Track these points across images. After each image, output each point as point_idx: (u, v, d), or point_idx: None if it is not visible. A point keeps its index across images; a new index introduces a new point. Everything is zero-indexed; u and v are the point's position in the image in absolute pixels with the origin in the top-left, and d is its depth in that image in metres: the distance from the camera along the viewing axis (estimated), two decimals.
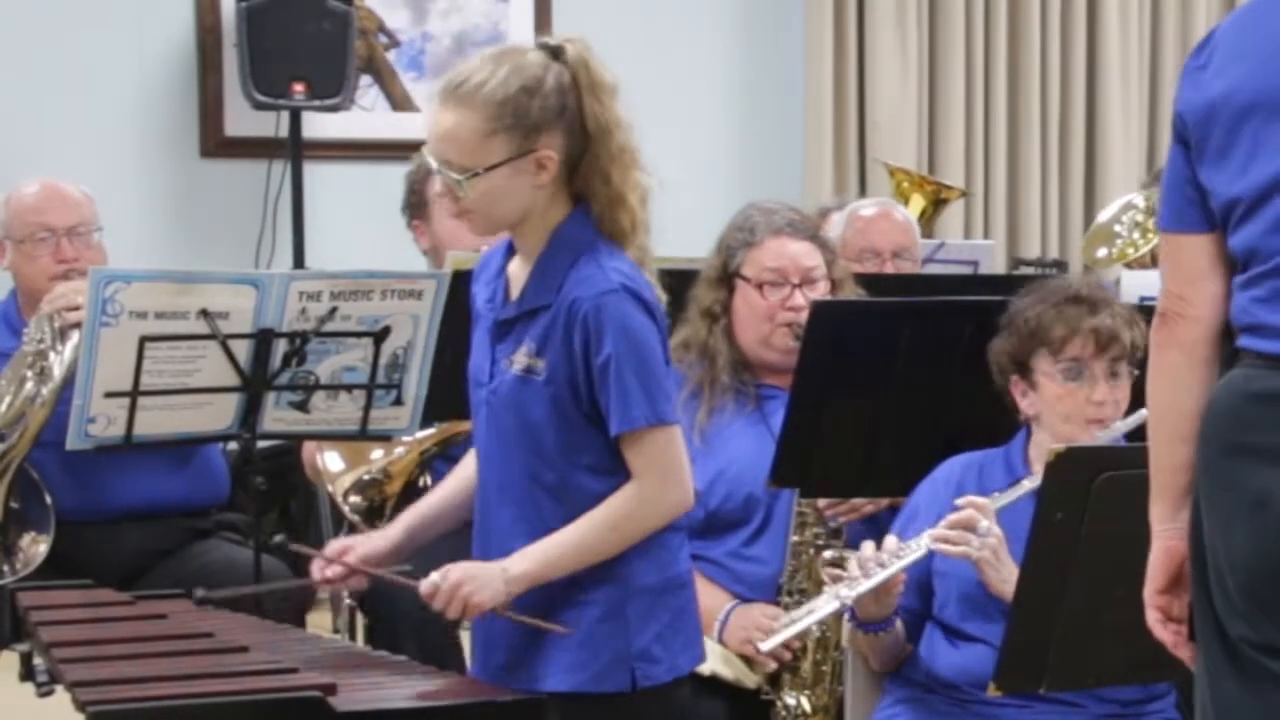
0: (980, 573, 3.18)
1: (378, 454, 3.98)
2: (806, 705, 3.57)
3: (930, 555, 3.32)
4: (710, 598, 3.58)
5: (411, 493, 3.86)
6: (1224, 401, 2.35)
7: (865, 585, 3.17)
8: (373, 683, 2.73)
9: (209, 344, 3.54)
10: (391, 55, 6.76)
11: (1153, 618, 2.51)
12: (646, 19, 6.88)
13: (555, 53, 2.78)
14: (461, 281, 3.29)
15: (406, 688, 2.74)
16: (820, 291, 3.68)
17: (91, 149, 6.25)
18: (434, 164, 2.80)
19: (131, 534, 4.13)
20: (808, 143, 7.03)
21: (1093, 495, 2.91)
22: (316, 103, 6.22)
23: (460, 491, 3.05)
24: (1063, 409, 3.29)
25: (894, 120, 7.04)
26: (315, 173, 6.47)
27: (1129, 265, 5.53)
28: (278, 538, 2.99)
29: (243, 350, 3.58)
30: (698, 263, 3.78)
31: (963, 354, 3.48)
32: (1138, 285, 4.07)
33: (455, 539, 3.16)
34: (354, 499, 3.93)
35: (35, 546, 3.96)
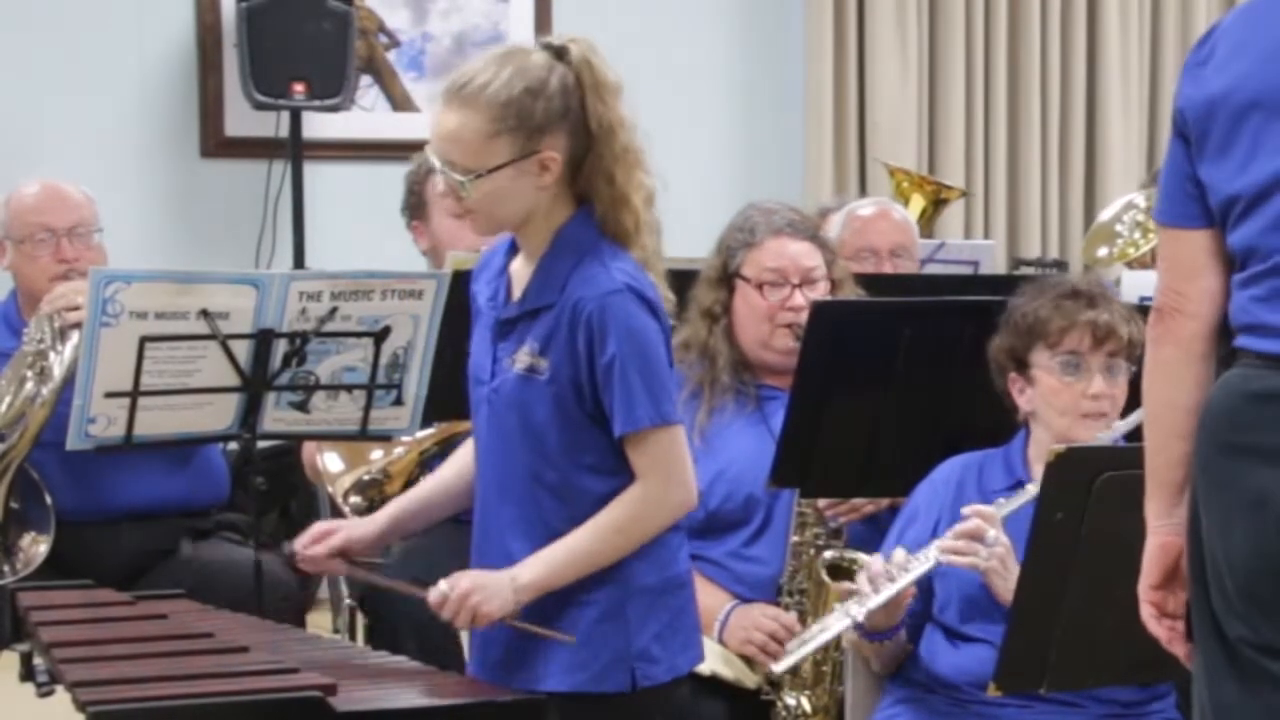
0: (988, 581, 3.18)
1: (377, 454, 3.98)
2: (807, 705, 3.57)
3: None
4: (710, 598, 3.58)
5: None
6: (1222, 402, 2.35)
7: (875, 601, 3.17)
8: (373, 683, 2.73)
9: (209, 344, 3.54)
10: (392, 55, 6.76)
11: (1147, 613, 2.51)
12: (646, 19, 6.88)
13: (559, 53, 2.77)
14: (461, 281, 3.29)
15: (406, 688, 2.74)
16: (820, 292, 3.68)
17: (91, 149, 6.25)
18: (437, 164, 2.80)
19: (131, 534, 4.13)
20: (808, 143, 7.03)
21: (1093, 495, 2.91)
22: (317, 103, 6.22)
23: (449, 484, 3.05)
24: (1059, 403, 3.29)
25: (894, 120, 7.03)
26: (315, 173, 6.46)
27: (1130, 265, 5.53)
28: (287, 548, 2.98)
29: (243, 350, 3.57)
30: (698, 263, 3.78)
31: (963, 354, 3.48)
32: (1138, 285, 4.07)
33: (454, 536, 3.16)
34: (354, 499, 3.93)
35: (35, 546, 3.96)
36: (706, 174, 6.67)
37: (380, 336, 3.63)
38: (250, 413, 3.64)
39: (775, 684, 3.58)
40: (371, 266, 3.70)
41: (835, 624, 3.22)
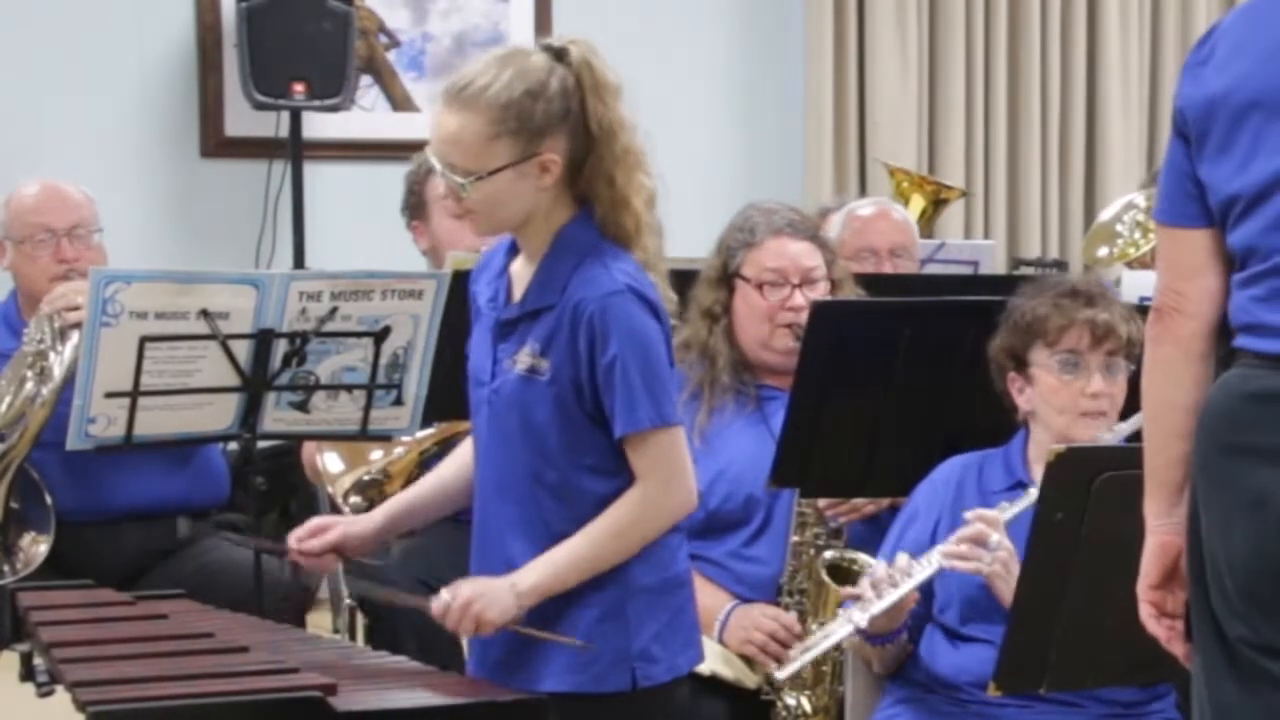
0: (991, 586, 3.18)
1: (377, 454, 3.98)
2: (807, 705, 3.57)
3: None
4: (710, 598, 3.58)
5: None
6: (1221, 402, 2.35)
7: (878, 606, 3.17)
8: (373, 683, 2.72)
9: (209, 344, 3.54)
10: (392, 55, 6.76)
11: (1145, 613, 2.51)
12: (646, 19, 6.88)
13: (559, 54, 2.77)
14: (461, 281, 3.29)
15: (407, 688, 2.73)
16: (820, 292, 3.68)
17: (91, 149, 6.25)
18: (437, 166, 2.80)
19: (131, 534, 4.13)
20: (808, 143, 7.03)
21: (1093, 495, 2.91)
22: (317, 103, 6.21)
23: (447, 483, 3.05)
24: (1058, 401, 3.29)
25: (894, 120, 7.03)
26: (315, 173, 6.46)
27: (1130, 265, 5.53)
28: (255, 544, 2.97)
29: (243, 350, 3.58)
30: (698, 263, 3.78)
31: (963, 354, 3.48)
32: (1138, 285, 4.07)
33: (454, 536, 3.15)
34: (354, 499, 3.93)
35: (35, 546, 3.97)
36: (707, 174, 6.67)
37: (380, 336, 3.63)
38: (250, 413, 3.64)
39: (775, 684, 3.58)
40: (371, 266, 3.70)
41: (838, 630, 3.22)
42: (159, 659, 2.65)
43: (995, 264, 6.14)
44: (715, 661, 3.53)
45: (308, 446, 4.06)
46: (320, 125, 6.44)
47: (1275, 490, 2.28)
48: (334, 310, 3.59)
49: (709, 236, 3.82)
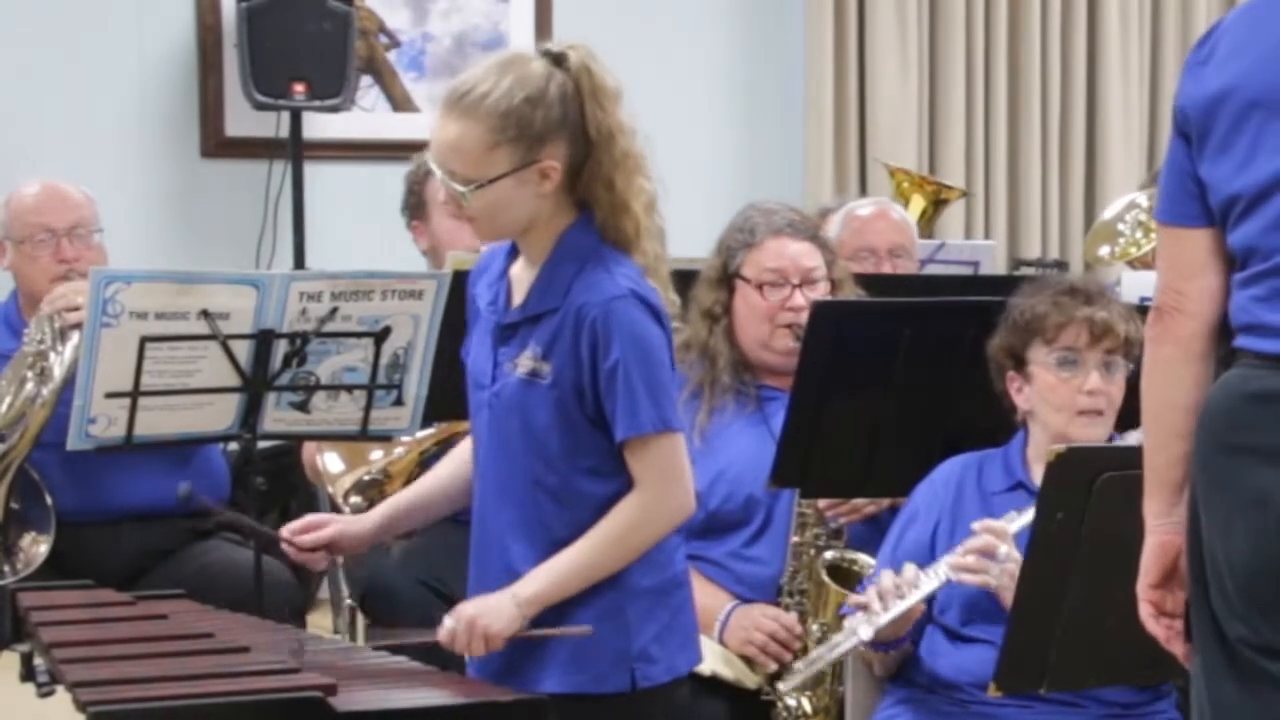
0: (1000, 597, 3.16)
1: (377, 454, 3.98)
2: (807, 706, 3.57)
3: (931, 556, 3.32)
4: (711, 598, 3.58)
5: None
6: (1221, 403, 2.35)
7: (884, 619, 3.17)
8: (373, 683, 2.73)
9: (209, 344, 3.54)
10: (392, 55, 6.75)
11: (1145, 612, 2.51)
12: (646, 19, 6.88)
13: (558, 60, 2.77)
14: (461, 281, 3.29)
15: (406, 688, 2.73)
16: (820, 292, 3.68)
17: (91, 149, 6.25)
18: (438, 173, 2.80)
19: (132, 534, 4.13)
20: (808, 143, 7.02)
21: (1093, 495, 2.91)
22: (317, 103, 6.21)
23: (444, 484, 3.06)
24: (1055, 399, 3.28)
25: (894, 120, 7.03)
26: (315, 173, 6.46)
27: (1131, 264, 5.53)
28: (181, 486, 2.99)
29: (243, 351, 3.58)
30: (698, 263, 3.78)
31: (963, 354, 3.48)
32: (1139, 285, 4.07)
33: (454, 536, 3.15)
34: (354, 499, 3.93)
35: (36, 547, 3.97)
36: (707, 174, 6.67)
37: (380, 337, 3.63)
38: (250, 413, 3.64)
39: (775, 684, 3.58)
40: (371, 266, 3.70)
41: (844, 642, 3.22)
42: (159, 659, 2.65)
43: (995, 264, 6.14)
44: (715, 662, 3.53)
45: (308, 447, 4.06)
46: (320, 125, 6.44)
47: (1275, 490, 2.28)
48: (334, 310, 3.59)
49: (709, 237, 3.82)
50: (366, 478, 3.97)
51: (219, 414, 3.64)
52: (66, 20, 6.35)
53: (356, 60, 6.38)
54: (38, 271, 4.11)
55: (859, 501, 3.63)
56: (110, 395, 3.50)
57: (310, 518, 3.03)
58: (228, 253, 6.41)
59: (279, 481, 4.57)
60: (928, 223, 6.20)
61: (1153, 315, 2.46)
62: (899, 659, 3.38)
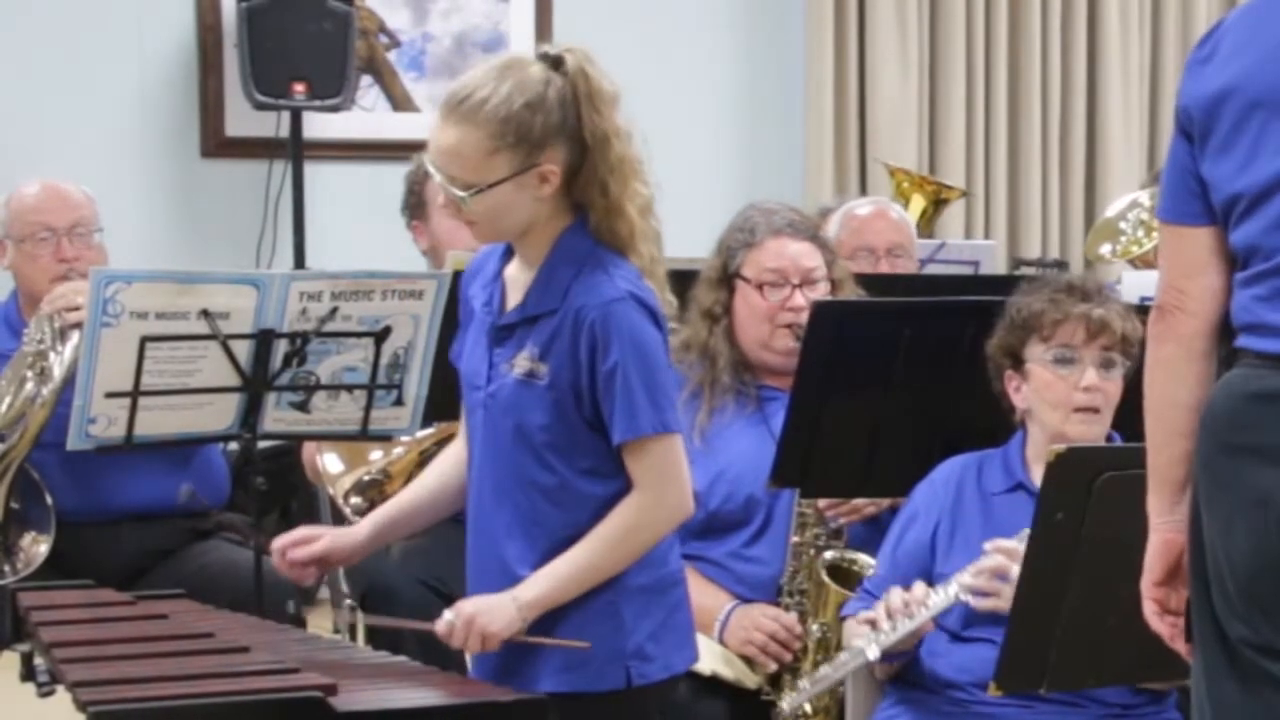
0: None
1: (377, 454, 3.98)
2: (807, 705, 3.57)
3: (931, 556, 3.32)
4: (710, 598, 3.58)
5: None
6: (1223, 402, 2.35)
7: (893, 638, 3.17)
8: (373, 683, 2.73)
9: (209, 344, 3.54)
10: (392, 55, 6.76)
11: (1149, 610, 2.51)
12: (646, 19, 6.88)
13: (555, 63, 2.77)
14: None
15: (407, 688, 2.73)
16: (820, 292, 3.68)
17: (91, 149, 6.25)
18: (437, 177, 2.80)
19: (132, 534, 4.13)
20: (808, 143, 7.03)
21: (1093, 495, 2.91)
22: (317, 103, 6.22)
23: (432, 491, 3.05)
24: (1052, 396, 3.28)
25: (894, 120, 7.03)
26: (315, 173, 6.46)
27: (1133, 263, 5.53)
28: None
29: (243, 350, 3.57)
30: (698, 263, 3.78)
31: (963, 354, 3.48)
32: (1139, 285, 4.06)
33: (454, 536, 3.15)
34: (355, 500, 3.93)
35: (36, 547, 3.97)
36: (707, 174, 6.67)
37: (381, 336, 3.63)
38: (251, 413, 3.64)
39: (776, 684, 3.58)
40: (371, 266, 3.70)
41: (851, 662, 3.22)
42: (159, 659, 2.65)
43: (996, 264, 6.14)
44: (715, 662, 3.53)
45: (308, 447, 4.06)
46: (320, 125, 6.45)
47: (1276, 490, 2.28)
48: (334, 310, 3.59)
49: (709, 237, 3.82)
50: (366, 478, 3.97)
51: (219, 414, 3.64)
52: (66, 20, 6.35)
53: (356, 60, 6.39)
54: (38, 271, 4.11)
55: (859, 502, 3.63)
56: (110, 395, 3.50)
57: (302, 531, 3.02)
58: (228, 253, 6.42)
59: (279, 481, 4.56)
60: (928, 223, 6.21)
61: (1155, 313, 2.46)
62: (901, 665, 3.38)
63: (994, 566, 3.13)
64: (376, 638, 3.92)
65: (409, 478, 3.90)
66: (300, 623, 3.55)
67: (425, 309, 3.64)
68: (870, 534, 3.61)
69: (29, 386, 3.93)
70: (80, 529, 4.03)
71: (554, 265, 2.81)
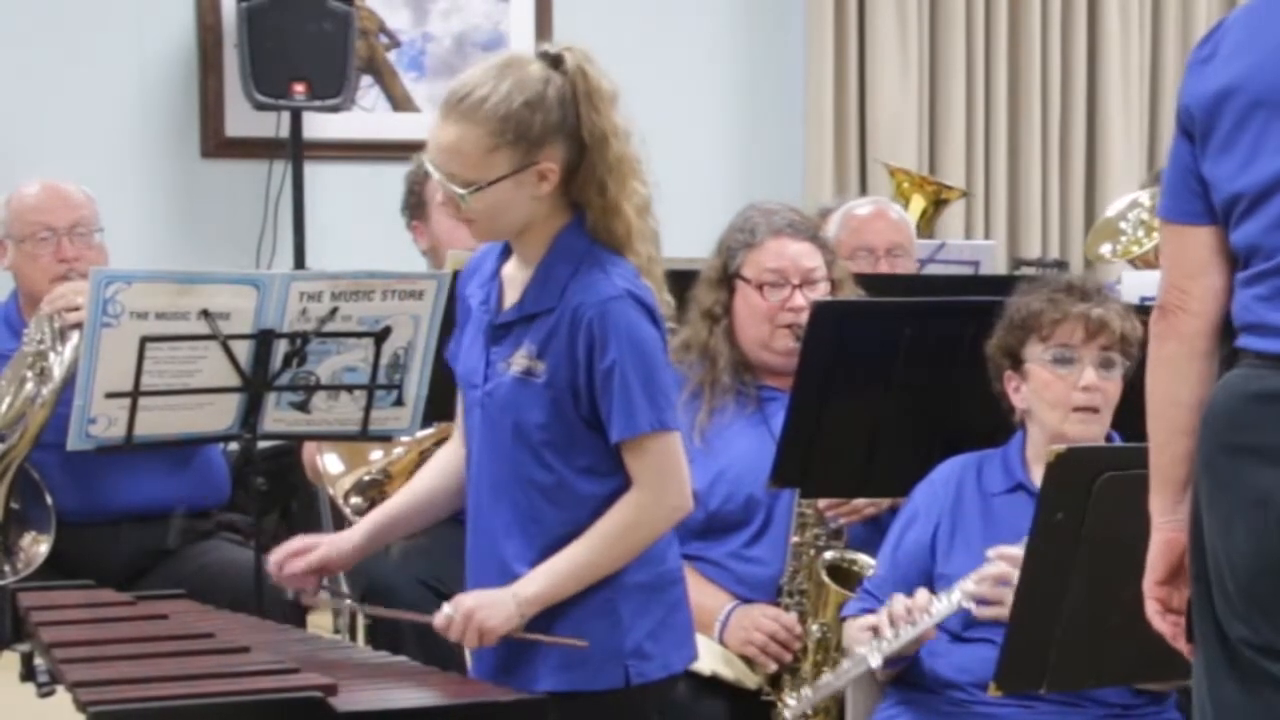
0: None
1: (377, 454, 3.98)
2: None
3: (932, 557, 3.32)
4: (710, 598, 3.58)
5: None
6: (1224, 402, 2.35)
7: (895, 645, 3.16)
8: (373, 683, 2.73)
9: (210, 344, 3.54)
10: (392, 55, 6.76)
11: (1152, 609, 2.51)
12: (647, 18, 6.88)
13: (555, 62, 2.77)
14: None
15: (407, 688, 2.74)
16: (820, 292, 3.67)
17: (91, 149, 6.25)
18: (436, 176, 2.80)
19: (132, 534, 4.13)
20: (808, 143, 7.03)
21: (1093, 495, 2.91)
22: (317, 103, 6.22)
23: (427, 493, 3.05)
24: (1050, 395, 3.27)
25: (894, 120, 7.04)
26: (316, 173, 6.47)
27: (1133, 263, 5.53)
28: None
29: (243, 351, 3.57)
30: (698, 263, 3.78)
31: (963, 354, 3.48)
32: (1139, 285, 4.06)
33: (454, 536, 3.15)
34: (355, 500, 3.93)
35: (36, 547, 3.96)
36: (706, 174, 6.68)
37: (381, 337, 3.63)
38: (251, 413, 3.64)
39: (776, 684, 3.58)
40: (371, 266, 3.70)
41: (853, 669, 3.22)
42: (159, 659, 2.65)
43: (996, 264, 6.15)
44: (715, 662, 3.53)
45: (308, 447, 4.06)
46: (320, 125, 6.45)
47: (1277, 490, 2.28)
48: (334, 310, 3.59)
49: (709, 237, 3.81)
50: (366, 478, 3.97)
51: (219, 414, 3.64)
52: (66, 20, 6.35)
53: (356, 60, 6.39)
54: (38, 271, 4.11)
55: (859, 502, 3.63)
56: (110, 395, 3.50)
57: (297, 542, 3.02)
58: (228, 253, 6.42)
59: (279, 482, 4.57)
60: (928, 223, 6.21)
61: (1156, 313, 2.46)
62: (902, 668, 3.38)
63: (998, 574, 3.12)
64: (376, 638, 3.93)
65: (409, 478, 3.90)
66: (300, 609, 3.55)
67: (425, 309, 3.64)
68: (870, 534, 3.61)
69: (29, 387, 3.93)
70: (80, 529, 4.03)
71: (551, 264, 2.81)
